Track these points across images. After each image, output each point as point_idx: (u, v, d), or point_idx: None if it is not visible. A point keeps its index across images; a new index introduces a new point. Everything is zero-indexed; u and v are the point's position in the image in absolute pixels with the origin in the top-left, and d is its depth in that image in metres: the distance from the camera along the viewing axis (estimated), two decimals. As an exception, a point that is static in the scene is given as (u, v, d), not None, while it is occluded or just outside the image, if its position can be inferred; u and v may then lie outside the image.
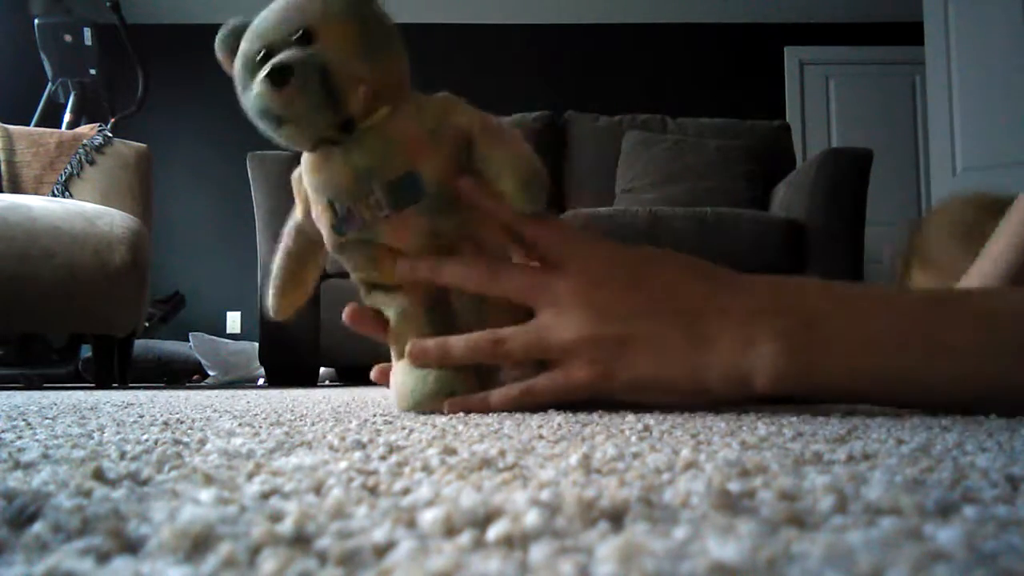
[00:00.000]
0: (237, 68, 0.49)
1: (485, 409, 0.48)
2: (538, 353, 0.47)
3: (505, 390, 0.48)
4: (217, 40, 0.51)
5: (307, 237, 0.53)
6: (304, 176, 0.50)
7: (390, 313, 0.52)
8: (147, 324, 2.88)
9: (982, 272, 0.66)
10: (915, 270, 1.04)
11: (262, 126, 0.48)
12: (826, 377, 0.42)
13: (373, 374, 0.57)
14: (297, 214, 0.53)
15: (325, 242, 0.51)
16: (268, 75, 0.45)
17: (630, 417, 0.42)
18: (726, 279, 0.46)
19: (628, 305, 0.45)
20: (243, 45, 0.49)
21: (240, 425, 0.40)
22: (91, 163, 2.14)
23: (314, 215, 0.51)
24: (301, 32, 0.46)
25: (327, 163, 0.48)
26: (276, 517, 0.15)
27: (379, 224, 0.48)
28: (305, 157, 0.50)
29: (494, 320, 0.50)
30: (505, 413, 0.49)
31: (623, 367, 0.45)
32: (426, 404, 0.49)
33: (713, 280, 0.46)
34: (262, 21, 0.48)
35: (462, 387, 0.49)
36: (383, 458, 0.24)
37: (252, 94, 0.47)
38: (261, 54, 0.47)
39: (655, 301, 0.45)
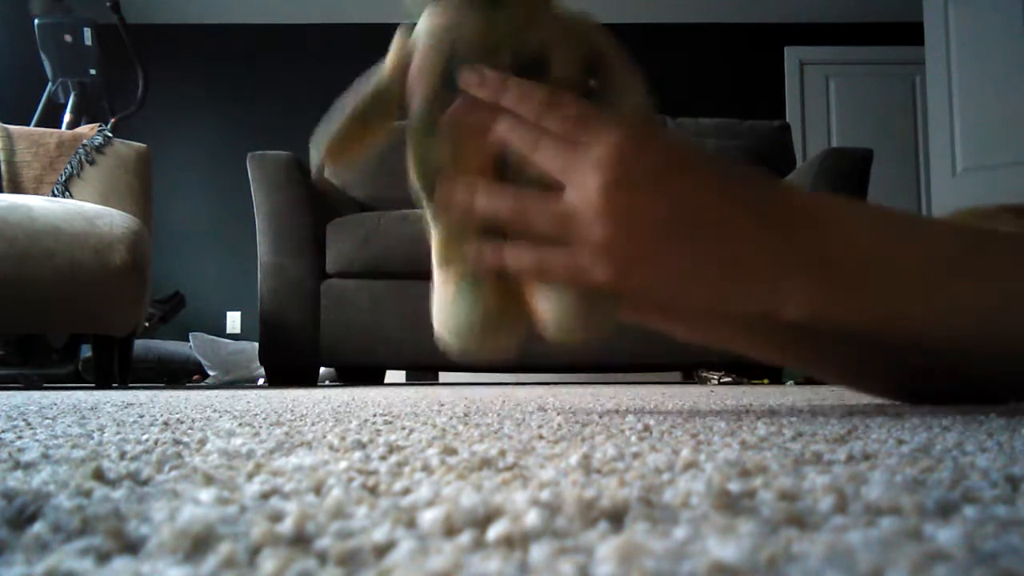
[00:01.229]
0: None
1: (498, 258, 0.45)
2: (560, 235, 0.44)
3: (520, 253, 0.45)
4: None
5: (385, 99, 0.48)
6: (423, 24, 0.47)
7: (439, 228, 0.49)
8: (147, 324, 2.88)
9: None
10: None
11: None
12: (855, 317, 0.41)
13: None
14: (383, 72, 0.48)
15: (418, 100, 0.47)
16: None
17: (630, 417, 0.42)
18: (765, 193, 0.42)
19: (658, 214, 0.42)
20: None
21: (240, 425, 0.40)
22: (91, 163, 2.14)
23: (414, 68, 0.47)
24: None
25: (463, 14, 0.46)
26: (276, 517, 0.15)
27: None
28: (430, 8, 0.47)
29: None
30: (505, 413, 0.49)
31: (644, 279, 0.43)
32: (464, 339, 0.47)
33: (751, 195, 0.42)
34: None
35: (506, 329, 0.47)
36: (383, 458, 0.24)
37: None
38: None
39: (688, 212, 0.42)
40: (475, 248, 0.46)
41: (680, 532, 0.13)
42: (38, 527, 0.14)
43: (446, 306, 0.48)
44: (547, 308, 0.47)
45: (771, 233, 0.41)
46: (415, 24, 0.48)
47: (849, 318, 0.40)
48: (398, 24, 0.49)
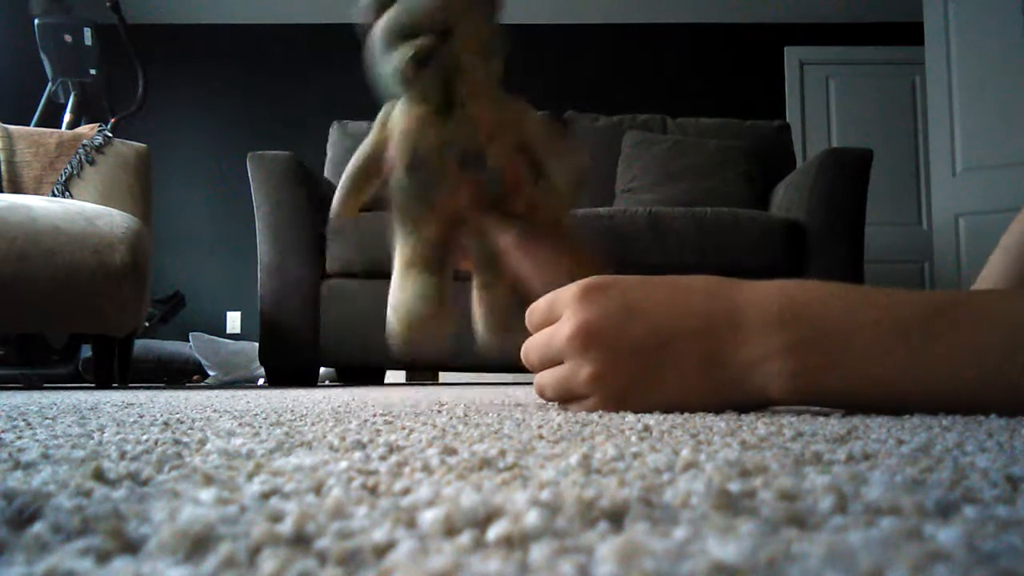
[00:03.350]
0: (382, 33, 0.61)
1: (540, 392, 0.52)
2: (568, 393, 0.49)
3: (551, 394, 0.51)
4: (367, 2, 0.62)
5: (375, 161, 0.65)
6: (397, 116, 0.63)
7: (410, 241, 0.66)
8: (147, 324, 2.88)
9: (995, 263, 0.66)
10: None
11: (388, 87, 0.62)
12: (835, 386, 0.43)
13: None
14: (371, 143, 0.65)
15: (396, 171, 0.63)
16: (414, 56, 0.59)
17: (630, 417, 0.42)
18: (730, 293, 0.46)
19: (631, 341, 0.46)
20: (393, 16, 0.60)
21: (240, 425, 0.40)
22: (91, 163, 2.14)
23: (390, 148, 0.64)
24: (444, 25, 0.60)
25: (423, 123, 0.62)
26: (276, 517, 0.15)
27: (443, 176, 0.63)
28: (403, 107, 0.63)
29: (494, 275, 0.65)
30: (505, 413, 0.49)
31: (638, 398, 0.46)
32: (410, 324, 0.65)
33: (718, 296, 0.46)
34: (414, 2, 0.61)
35: (443, 320, 0.65)
36: (383, 458, 0.24)
37: (390, 60, 0.60)
38: (408, 29, 0.60)
39: (661, 329, 0.46)
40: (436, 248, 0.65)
41: (680, 532, 0.13)
42: (38, 527, 0.14)
43: (403, 296, 0.65)
44: (481, 311, 0.66)
45: (744, 328, 0.44)
46: (395, 106, 0.65)
47: (828, 387, 0.43)
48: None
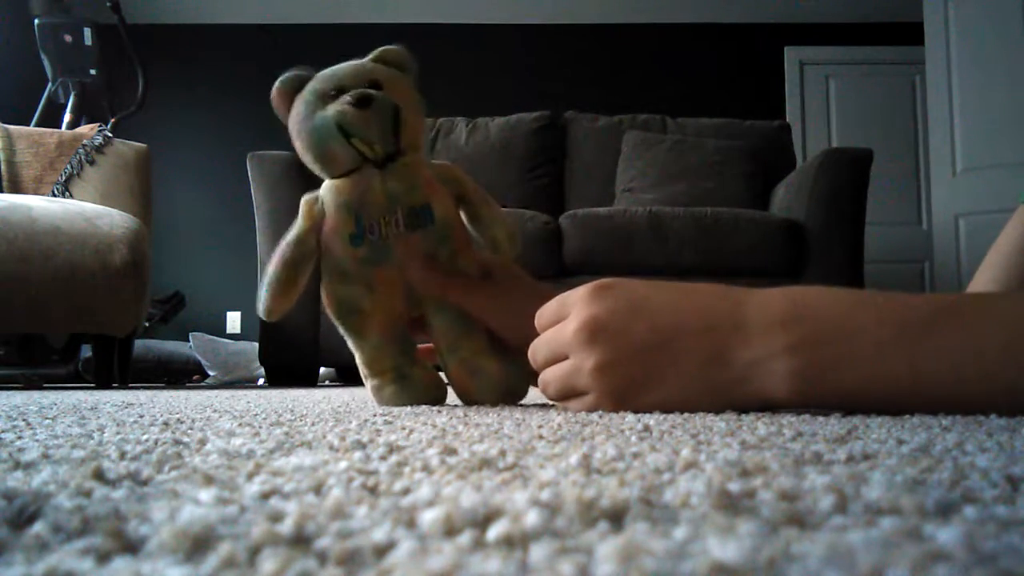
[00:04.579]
0: (306, 99, 0.62)
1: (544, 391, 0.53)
2: (570, 389, 0.50)
3: (553, 390, 0.52)
4: (281, 81, 0.63)
5: (305, 250, 0.62)
6: (330, 196, 0.61)
7: (365, 347, 0.62)
8: (147, 324, 2.88)
9: (989, 265, 0.67)
10: None
11: (325, 142, 0.60)
12: (837, 386, 0.43)
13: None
14: (299, 230, 0.62)
15: (334, 254, 0.61)
16: (353, 99, 0.59)
17: (630, 417, 0.42)
18: (734, 295, 0.46)
19: (635, 337, 0.46)
20: (316, 84, 0.62)
21: (240, 425, 0.40)
22: (91, 163, 2.14)
23: (327, 229, 0.61)
24: (372, 82, 0.61)
25: (364, 184, 0.60)
26: (276, 517, 0.15)
27: (390, 240, 0.61)
28: (333, 182, 0.62)
29: (468, 343, 0.62)
30: (505, 413, 0.49)
31: (641, 396, 0.47)
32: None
33: (721, 297, 0.47)
34: (336, 71, 0.63)
35: (440, 394, 0.63)
36: (383, 458, 0.24)
37: (326, 114, 0.60)
38: (335, 91, 0.61)
39: (666, 322, 0.46)
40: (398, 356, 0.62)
41: (680, 532, 0.13)
42: (38, 527, 0.14)
43: (391, 398, 0.62)
44: (469, 381, 0.63)
45: (748, 327, 0.44)
46: (317, 194, 0.63)
47: (830, 387, 0.43)
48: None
